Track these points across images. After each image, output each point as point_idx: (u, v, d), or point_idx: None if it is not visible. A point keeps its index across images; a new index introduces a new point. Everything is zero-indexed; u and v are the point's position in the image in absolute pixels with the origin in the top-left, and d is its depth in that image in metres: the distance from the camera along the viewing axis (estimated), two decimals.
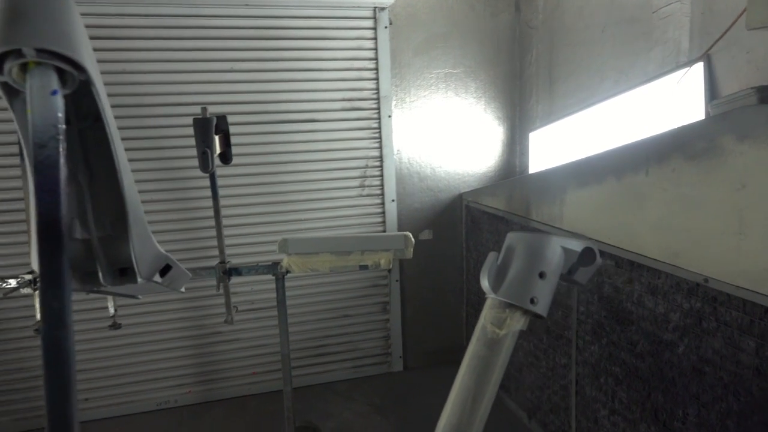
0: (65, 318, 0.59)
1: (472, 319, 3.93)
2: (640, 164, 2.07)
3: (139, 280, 0.84)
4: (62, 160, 0.61)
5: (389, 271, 3.79)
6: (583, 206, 2.49)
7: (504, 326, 0.86)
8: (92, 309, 3.32)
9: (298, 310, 3.73)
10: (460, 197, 3.93)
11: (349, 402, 3.58)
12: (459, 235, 3.97)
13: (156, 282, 0.92)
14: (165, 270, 0.95)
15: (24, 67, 0.63)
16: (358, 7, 3.46)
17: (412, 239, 2.35)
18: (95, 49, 3.28)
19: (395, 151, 3.74)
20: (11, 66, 0.63)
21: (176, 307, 3.51)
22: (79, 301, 3.27)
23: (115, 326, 2.46)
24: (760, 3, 1.72)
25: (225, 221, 3.47)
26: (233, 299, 3.59)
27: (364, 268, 2.28)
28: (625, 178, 2.17)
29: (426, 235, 3.88)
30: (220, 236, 2.46)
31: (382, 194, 3.73)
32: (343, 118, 3.58)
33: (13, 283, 2.29)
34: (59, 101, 0.63)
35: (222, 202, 3.44)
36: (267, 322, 3.64)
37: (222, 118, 2.28)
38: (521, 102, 3.90)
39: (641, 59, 2.70)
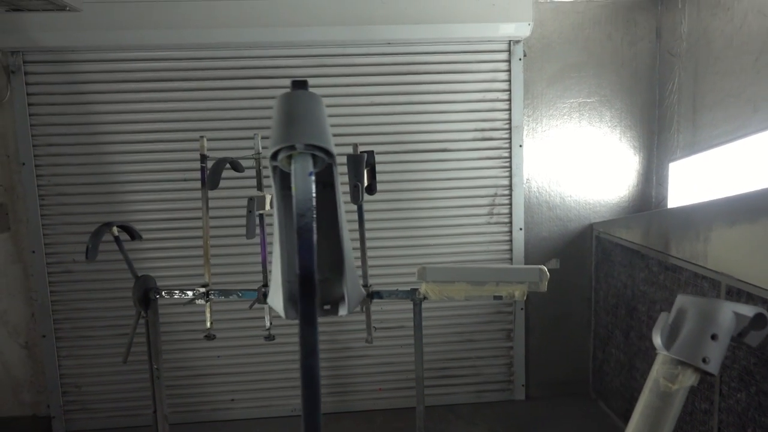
0: (316, 349, 0.76)
1: (599, 353, 3.83)
2: None
3: (343, 313, 1.02)
4: (314, 226, 0.79)
5: None
6: (730, 245, 2.39)
7: (676, 382, 0.93)
8: (239, 320, 3.70)
9: (423, 332, 3.86)
10: (591, 227, 3.86)
11: (471, 426, 3.64)
12: (587, 265, 3.90)
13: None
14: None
15: (289, 155, 0.83)
16: (494, 41, 3.58)
17: (547, 273, 2.40)
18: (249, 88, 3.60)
19: (525, 180, 3.78)
20: (284, 156, 0.83)
21: None
22: (227, 318, 3.66)
23: (270, 338, 2.75)
24: None
25: None
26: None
27: (498, 298, 2.36)
28: None
29: (553, 264, 3.86)
30: (364, 262, 2.67)
31: (510, 222, 3.79)
32: (474, 147, 3.70)
33: (190, 294, 2.67)
34: (312, 180, 0.81)
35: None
36: (394, 341, 3.82)
37: (370, 153, 2.50)
38: (660, 131, 3.77)
39: None
